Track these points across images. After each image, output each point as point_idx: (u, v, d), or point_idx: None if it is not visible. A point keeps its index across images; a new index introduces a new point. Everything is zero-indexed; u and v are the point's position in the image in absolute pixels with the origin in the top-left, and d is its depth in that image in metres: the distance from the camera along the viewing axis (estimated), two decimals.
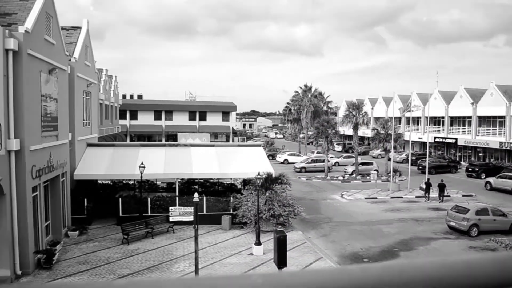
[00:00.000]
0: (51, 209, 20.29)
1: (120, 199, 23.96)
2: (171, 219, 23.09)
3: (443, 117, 59.00)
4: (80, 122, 25.43)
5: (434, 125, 61.58)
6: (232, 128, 69.05)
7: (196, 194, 13.45)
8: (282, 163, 56.92)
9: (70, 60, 23.35)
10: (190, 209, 17.83)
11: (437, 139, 59.40)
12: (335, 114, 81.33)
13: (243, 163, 26.23)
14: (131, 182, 28.94)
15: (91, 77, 27.83)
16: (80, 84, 25.06)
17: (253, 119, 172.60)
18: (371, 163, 49.25)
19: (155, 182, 29.63)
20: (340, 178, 44.53)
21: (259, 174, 20.26)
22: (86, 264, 18.03)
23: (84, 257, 18.85)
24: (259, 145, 29.93)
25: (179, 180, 26.08)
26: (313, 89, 64.98)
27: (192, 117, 66.56)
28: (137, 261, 18.56)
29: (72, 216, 22.92)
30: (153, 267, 17.81)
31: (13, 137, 15.65)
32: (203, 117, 66.93)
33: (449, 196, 34.07)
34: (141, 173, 22.68)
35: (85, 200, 23.81)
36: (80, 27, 27.88)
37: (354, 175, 45.20)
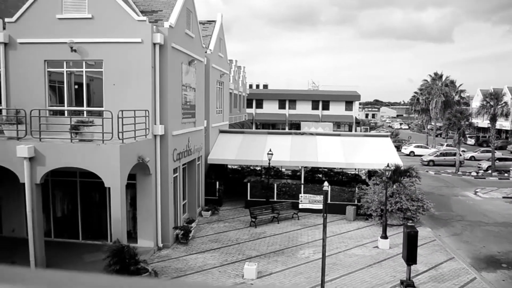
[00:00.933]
0: (188, 189, 22.04)
1: (248, 184, 25.17)
2: (300, 206, 23.50)
3: None
4: (214, 110, 27.11)
5: None
6: (355, 117, 67.68)
7: (326, 183, 13.53)
8: (407, 155, 54.48)
9: (206, 52, 24.91)
10: (319, 197, 17.95)
11: None
12: (467, 104, 75.04)
13: (369, 153, 25.64)
14: (258, 168, 30.09)
15: (223, 68, 29.41)
16: (214, 74, 26.64)
17: (376, 109, 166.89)
18: (511, 159, 44.65)
19: (280, 169, 30.41)
20: (473, 173, 41.15)
21: (388, 165, 19.63)
22: (218, 242, 19.28)
23: (215, 236, 20.18)
24: (387, 136, 28.90)
25: (305, 168, 26.43)
26: (443, 77, 60.70)
27: (315, 106, 66.72)
28: (264, 244, 19.32)
29: (205, 197, 24.71)
30: (279, 251, 18.38)
31: (159, 123, 17.29)
32: (326, 106, 66.67)
33: None
34: (269, 159, 23.47)
35: (217, 183, 25.45)
36: (214, 21, 29.56)
37: (489, 171, 41.41)
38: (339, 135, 28.29)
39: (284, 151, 25.57)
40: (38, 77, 17.07)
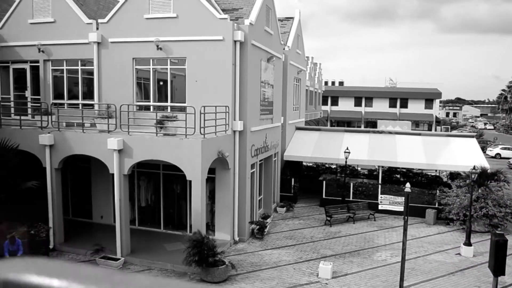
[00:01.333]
0: (264, 185, 22.27)
1: (324, 182, 24.94)
2: (380, 207, 23.08)
3: None
4: (291, 107, 27.13)
5: None
6: (435, 116, 64.61)
7: (407, 184, 13.04)
8: (493, 157, 51.07)
9: (284, 48, 24.96)
10: (400, 199, 17.41)
11: None
12: None
13: (452, 154, 24.37)
14: (333, 166, 29.73)
15: (301, 65, 29.32)
16: (292, 71, 26.63)
17: (458, 108, 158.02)
18: None
19: (356, 167, 29.83)
20: None
21: (474, 168, 18.53)
22: (292, 239, 19.30)
23: (290, 233, 20.23)
24: (472, 137, 27.25)
25: (382, 167, 25.72)
26: None
27: (392, 104, 64.62)
28: (339, 243, 19.06)
29: (280, 194, 24.85)
30: (355, 252, 18.03)
31: (238, 119, 17.61)
32: (404, 104, 64.34)
33: None
34: (346, 158, 23.08)
35: (292, 179, 25.50)
36: (292, 18, 29.56)
37: None
38: (419, 134, 27.12)
39: (362, 150, 25.01)
40: (127, 74, 18.06)
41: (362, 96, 65.61)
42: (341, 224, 21.83)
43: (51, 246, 16.65)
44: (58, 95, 19.75)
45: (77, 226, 19.21)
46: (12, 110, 19.98)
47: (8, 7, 22.42)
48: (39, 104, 19.18)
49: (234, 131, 17.71)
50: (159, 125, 15.36)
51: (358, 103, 65.77)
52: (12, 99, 20.30)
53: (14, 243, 14.87)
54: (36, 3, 19.33)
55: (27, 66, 19.89)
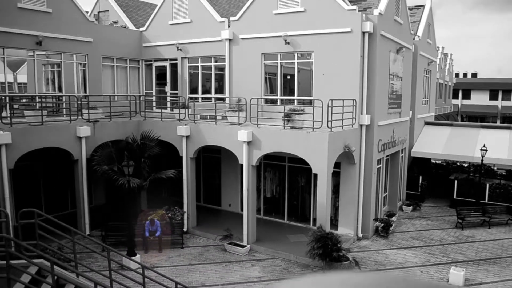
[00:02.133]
0: (389, 182, 21.48)
1: (455, 181, 23.27)
2: None
3: None
4: (420, 101, 25.76)
5: None
6: None
7: None
8: None
9: (414, 38, 23.71)
10: None
11: None
12: None
13: None
14: (465, 165, 27.58)
15: (431, 55, 27.60)
16: (422, 62, 25.22)
17: None
18: None
19: (492, 167, 27.27)
20: None
21: None
22: (419, 240, 18.37)
23: (417, 233, 19.27)
24: None
25: None
26: None
27: None
28: (472, 249, 17.67)
29: (406, 192, 23.78)
30: (490, 260, 16.55)
31: (365, 113, 17.20)
32: None
33: None
34: (482, 156, 21.21)
35: (420, 177, 24.21)
36: (422, 6, 27.93)
37: None
38: None
39: (500, 148, 22.75)
40: (256, 68, 18.69)
41: (499, 89, 59.54)
42: (474, 228, 20.18)
43: (185, 229, 18.01)
44: (193, 89, 21.20)
45: (207, 212, 20.51)
46: (154, 103, 21.98)
47: (151, 11, 24.70)
48: (177, 98, 20.81)
49: (361, 125, 17.35)
50: (286, 118, 15.67)
51: (493, 96, 59.87)
52: (154, 93, 22.34)
53: (154, 225, 16.43)
54: (175, 5, 20.92)
55: (167, 64, 21.70)
